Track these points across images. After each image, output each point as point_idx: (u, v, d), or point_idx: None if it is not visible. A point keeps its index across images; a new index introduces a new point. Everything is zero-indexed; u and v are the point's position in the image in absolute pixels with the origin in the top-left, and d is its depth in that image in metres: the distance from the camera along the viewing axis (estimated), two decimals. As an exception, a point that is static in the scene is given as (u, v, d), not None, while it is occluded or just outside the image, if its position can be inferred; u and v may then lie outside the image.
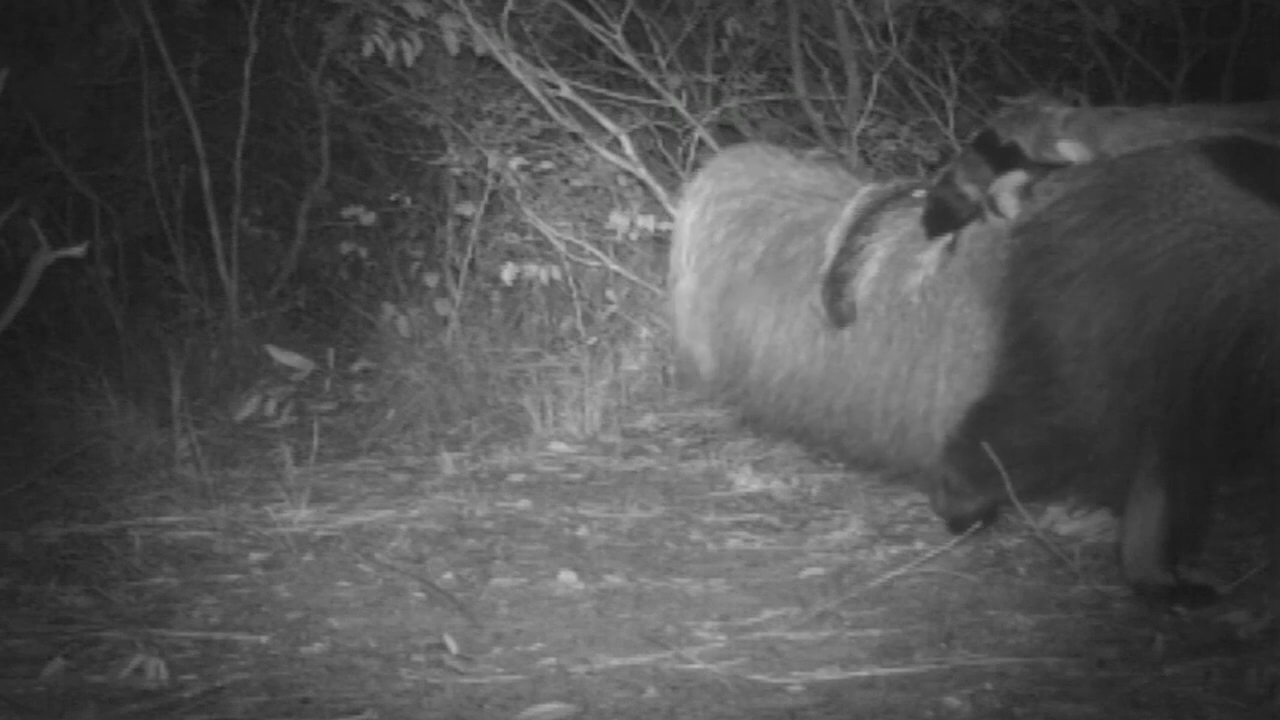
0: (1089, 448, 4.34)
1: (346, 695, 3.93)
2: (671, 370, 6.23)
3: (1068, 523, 4.79)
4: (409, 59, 6.34)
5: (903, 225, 4.69)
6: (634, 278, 6.48)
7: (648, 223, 6.33)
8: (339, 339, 7.21)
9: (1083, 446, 4.34)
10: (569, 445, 5.94)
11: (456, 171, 6.76)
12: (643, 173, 6.39)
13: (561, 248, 6.49)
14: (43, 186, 7.78)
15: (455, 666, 4.07)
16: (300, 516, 5.21)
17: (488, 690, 3.94)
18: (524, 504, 5.35)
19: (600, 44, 6.58)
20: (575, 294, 6.54)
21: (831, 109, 6.55)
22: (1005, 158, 4.51)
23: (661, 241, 6.43)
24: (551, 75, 6.37)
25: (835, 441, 4.81)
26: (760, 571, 4.72)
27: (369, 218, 6.97)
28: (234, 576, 4.79)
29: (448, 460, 5.76)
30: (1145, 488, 4.33)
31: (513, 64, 6.30)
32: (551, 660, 4.10)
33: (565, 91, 6.35)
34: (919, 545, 4.83)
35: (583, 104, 6.38)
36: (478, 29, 6.23)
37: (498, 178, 6.53)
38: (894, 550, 4.82)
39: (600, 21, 6.43)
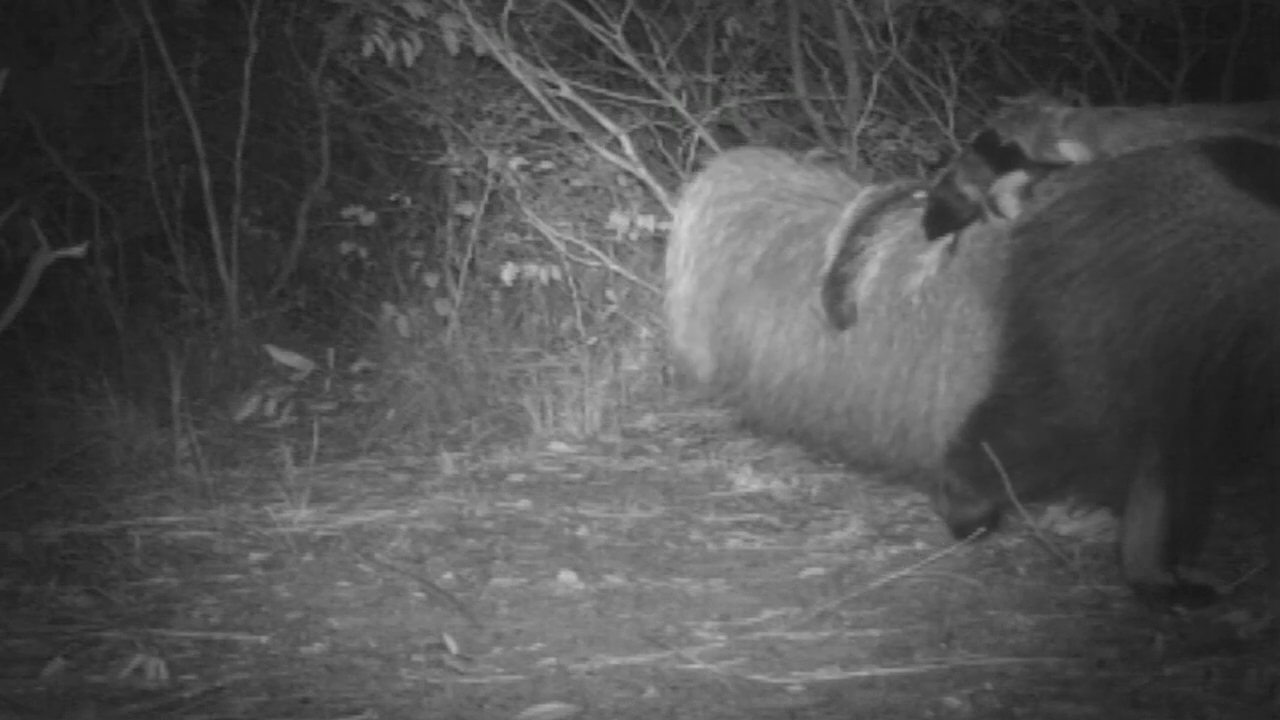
0: (1089, 448, 4.34)
1: (346, 695, 3.93)
2: (671, 370, 6.23)
3: (1068, 523, 4.79)
4: (409, 59, 6.34)
5: (903, 226, 4.69)
6: (634, 278, 6.48)
7: (648, 223, 6.32)
8: (339, 339, 7.22)
9: (1083, 447, 4.35)
10: (569, 445, 5.94)
11: (456, 171, 6.76)
12: (643, 173, 6.39)
13: (561, 248, 6.49)
14: (43, 186, 7.78)
15: (455, 666, 4.07)
16: (300, 516, 5.21)
17: (488, 690, 3.94)
18: (524, 504, 5.35)
19: (600, 44, 6.58)
20: (575, 294, 6.54)
21: (831, 109, 6.55)
22: (1006, 158, 4.51)
23: (661, 241, 6.43)
24: (551, 75, 6.37)
25: (836, 443, 4.81)
26: (760, 571, 4.72)
27: (369, 218, 6.97)
28: (234, 576, 4.80)
29: (448, 460, 5.76)
30: (1145, 488, 4.33)
31: (513, 64, 6.30)
32: (551, 660, 4.10)
33: (565, 91, 6.35)
34: (919, 545, 4.83)
35: (583, 104, 6.38)
36: (478, 29, 6.23)
37: (498, 178, 6.53)
38: (894, 550, 4.82)
39: (600, 21, 6.43)
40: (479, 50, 6.35)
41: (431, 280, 6.77)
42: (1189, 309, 4.20)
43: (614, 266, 6.48)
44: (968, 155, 4.63)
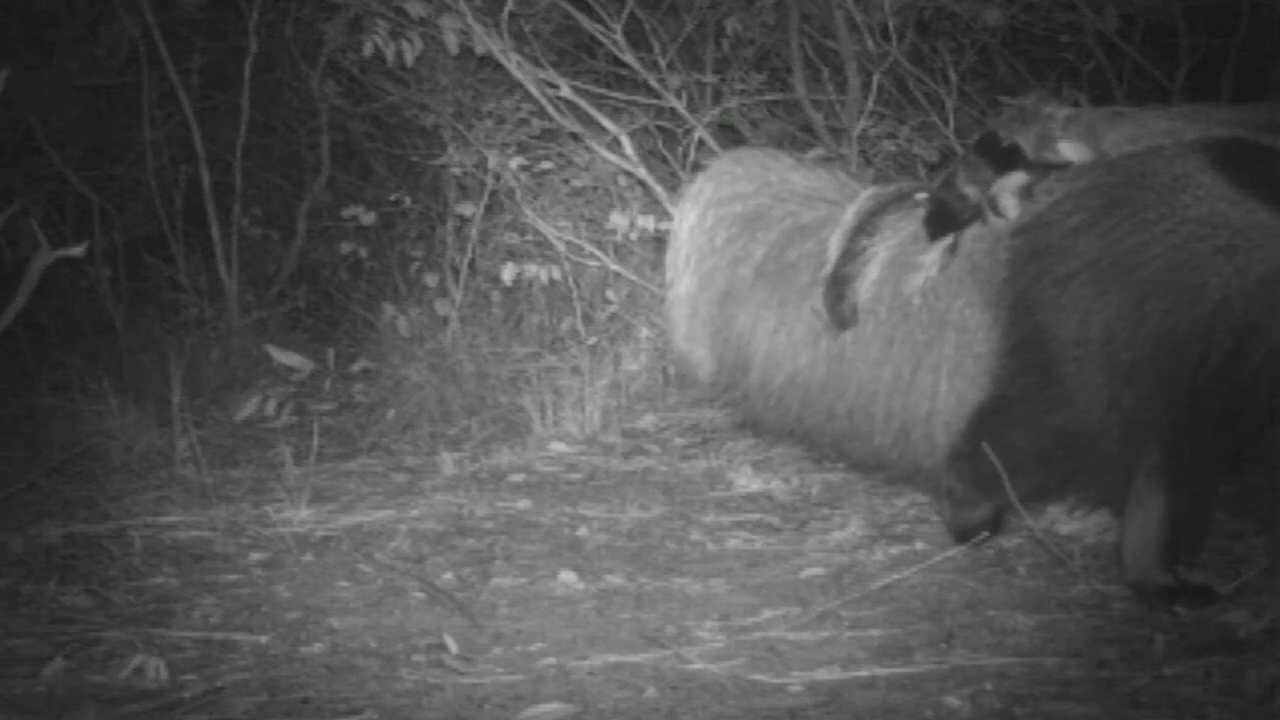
0: (1090, 448, 4.34)
1: (346, 695, 3.93)
2: (671, 370, 6.23)
3: (1068, 523, 4.79)
4: (409, 59, 6.34)
5: (904, 227, 4.69)
6: (634, 278, 6.48)
7: (648, 223, 6.33)
8: (339, 339, 7.22)
9: (1084, 447, 4.35)
10: (569, 445, 5.94)
11: (456, 171, 6.76)
12: (643, 173, 6.39)
13: (561, 248, 6.49)
14: (43, 186, 7.78)
15: (455, 666, 4.07)
16: (300, 516, 5.21)
17: (488, 690, 3.94)
18: (524, 504, 5.35)
19: (600, 44, 6.58)
20: (575, 294, 6.54)
21: (831, 109, 6.55)
22: (1006, 159, 4.51)
23: (661, 241, 6.44)
24: (551, 75, 6.37)
25: (837, 444, 4.81)
26: (760, 571, 4.72)
27: (369, 218, 6.97)
28: (234, 576, 4.80)
29: (448, 460, 5.76)
30: (1145, 488, 4.33)
31: (513, 64, 6.30)
32: (551, 660, 4.10)
33: (565, 91, 6.35)
34: (919, 545, 4.83)
35: (583, 104, 6.38)
36: (478, 29, 6.23)
37: (498, 178, 6.53)
38: (894, 550, 4.82)
39: (600, 21, 6.43)
40: (479, 50, 6.35)
41: (431, 280, 6.77)
42: (1186, 309, 4.20)
43: (614, 266, 6.48)
44: (968, 157, 4.63)
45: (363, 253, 7.23)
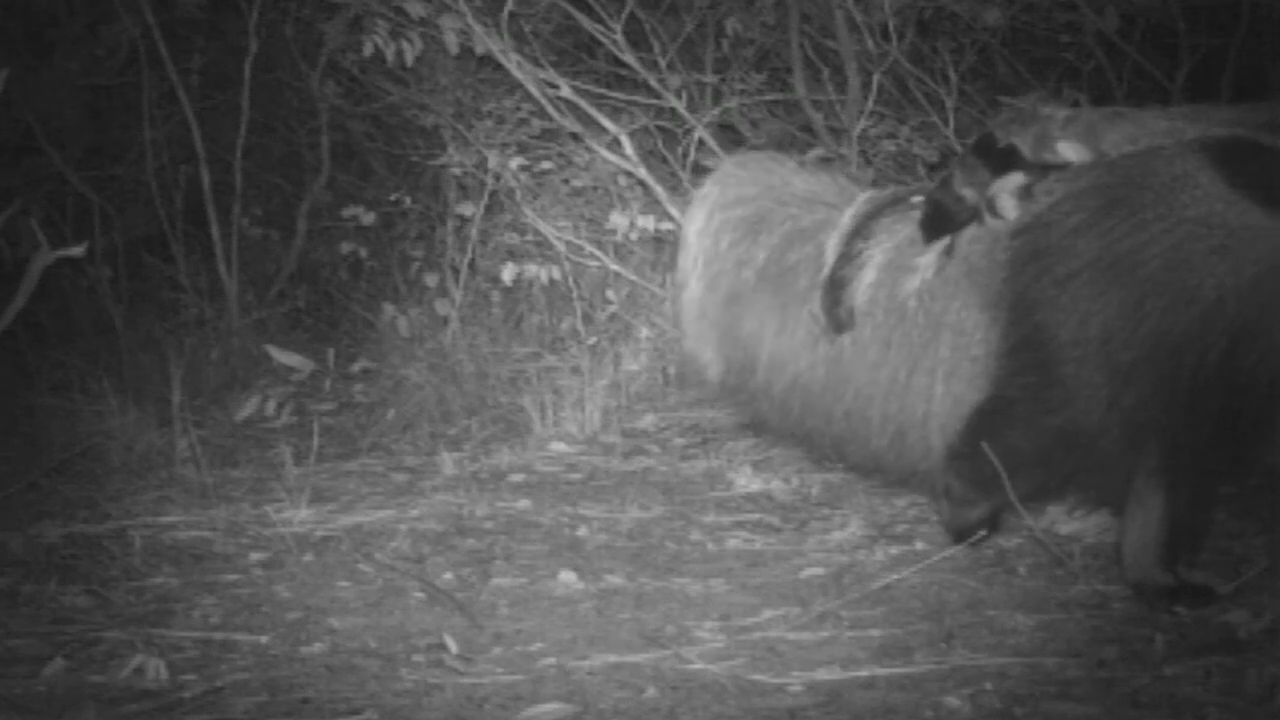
0: (1089, 449, 4.34)
1: (346, 695, 3.93)
2: (672, 370, 6.23)
3: (1068, 523, 4.79)
4: (409, 59, 6.34)
5: (900, 230, 4.69)
6: (634, 278, 6.48)
7: (648, 223, 6.33)
8: (339, 339, 7.21)
9: (1083, 447, 4.35)
10: (569, 445, 5.94)
11: (456, 171, 6.76)
12: (643, 173, 6.39)
13: (561, 248, 6.49)
14: (43, 186, 7.78)
15: (455, 666, 4.07)
16: (300, 516, 5.21)
17: (488, 690, 3.94)
18: (524, 504, 5.35)
19: (600, 44, 6.58)
20: (575, 294, 6.54)
21: (831, 109, 6.55)
22: (1003, 160, 4.51)
23: (661, 241, 6.44)
24: (551, 75, 6.37)
25: (837, 447, 4.81)
26: (760, 571, 4.73)
27: (369, 218, 6.97)
28: (234, 576, 4.80)
29: (448, 460, 5.76)
30: (1145, 488, 4.33)
31: (513, 64, 6.30)
32: (551, 660, 4.10)
33: (565, 91, 6.36)
34: (919, 545, 4.83)
35: (583, 104, 6.39)
36: (478, 29, 6.23)
37: (498, 178, 6.53)
38: (894, 550, 4.82)
39: (600, 21, 6.43)
40: (479, 50, 6.35)
41: (431, 280, 6.77)
42: (1183, 310, 4.20)
43: (614, 266, 6.48)
44: (965, 158, 4.63)
45: (363, 253, 7.23)
